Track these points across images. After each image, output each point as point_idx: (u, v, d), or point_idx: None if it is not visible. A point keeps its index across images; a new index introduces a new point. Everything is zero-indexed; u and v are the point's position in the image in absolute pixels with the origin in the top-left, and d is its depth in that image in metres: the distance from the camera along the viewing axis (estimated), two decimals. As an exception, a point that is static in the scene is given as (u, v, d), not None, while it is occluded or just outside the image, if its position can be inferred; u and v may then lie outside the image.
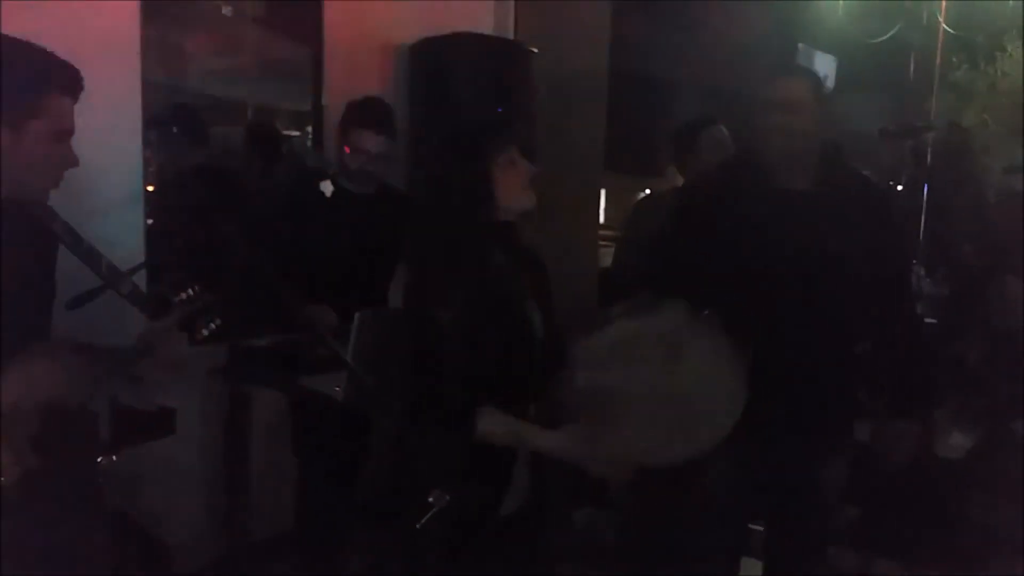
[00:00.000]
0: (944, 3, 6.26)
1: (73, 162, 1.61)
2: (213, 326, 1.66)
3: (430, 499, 1.64)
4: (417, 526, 1.62)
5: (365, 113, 2.79)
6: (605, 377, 1.77)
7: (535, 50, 3.88)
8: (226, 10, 3.33)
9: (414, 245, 1.90)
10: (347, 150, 2.78)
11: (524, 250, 1.96)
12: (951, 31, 6.50)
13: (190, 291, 1.64)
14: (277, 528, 3.13)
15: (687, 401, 1.81)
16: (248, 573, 2.91)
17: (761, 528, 2.40)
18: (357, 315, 2.19)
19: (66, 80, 1.57)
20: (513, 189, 1.84)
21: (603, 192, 5.15)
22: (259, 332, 1.75)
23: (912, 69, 7.43)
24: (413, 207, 2.90)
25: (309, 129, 3.58)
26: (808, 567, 2.32)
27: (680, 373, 1.82)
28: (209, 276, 1.84)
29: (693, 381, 1.81)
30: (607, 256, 5.38)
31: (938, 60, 5.96)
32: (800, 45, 8.52)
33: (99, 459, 1.78)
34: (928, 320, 4.12)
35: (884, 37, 7.75)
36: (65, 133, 1.58)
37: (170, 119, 3.03)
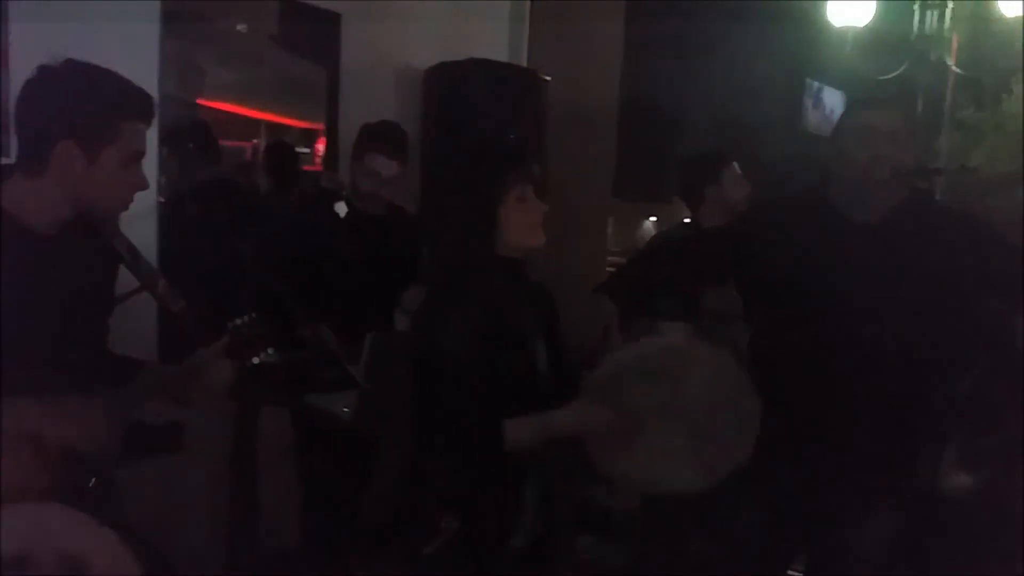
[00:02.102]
0: (954, 44, 6.31)
1: (143, 185, 1.63)
2: (265, 355, 1.65)
3: (442, 525, 1.63)
4: (426, 552, 1.61)
5: (379, 137, 2.80)
6: (611, 403, 1.78)
7: (548, 77, 3.91)
8: (241, 27, 3.35)
9: (424, 273, 1.88)
10: (359, 172, 2.79)
11: (532, 285, 1.96)
12: (958, 71, 6.54)
13: (246, 318, 1.63)
14: (281, 545, 3.11)
15: (693, 422, 1.82)
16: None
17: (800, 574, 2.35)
18: (369, 336, 2.19)
19: (140, 106, 1.60)
20: (523, 228, 1.83)
21: (610, 219, 5.18)
22: (268, 349, 1.74)
23: (920, 107, 7.48)
24: (421, 234, 2.90)
25: (319, 147, 3.60)
26: None
27: (684, 394, 1.83)
28: (220, 290, 1.83)
29: (698, 401, 1.81)
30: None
31: (948, 100, 5.97)
32: (808, 80, 8.59)
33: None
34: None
35: (892, 75, 7.80)
36: (137, 156, 1.60)
37: (185, 134, 3.05)
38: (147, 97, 1.62)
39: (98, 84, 1.57)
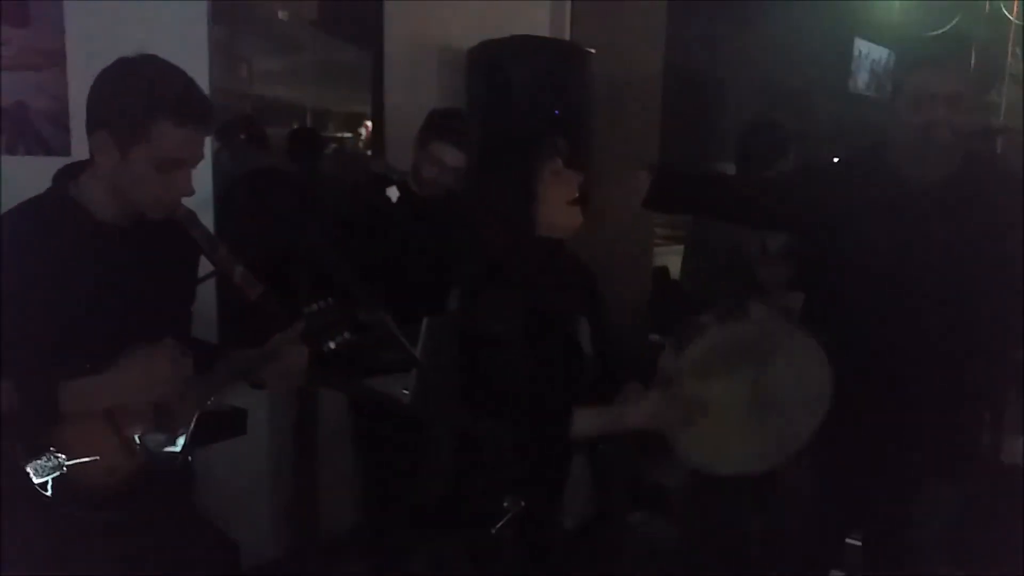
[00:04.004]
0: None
1: (185, 192, 1.56)
2: (340, 339, 1.63)
3: (504, 504, 1.66)
4: (492, 531, 1.64)
5: (447, 127, 2.79)
6: (702, 388, 1.80)
7: (592, 51, 3.87)
8: (282, 14, 3.37)
9: (465, 256, 1.89)
10: (423, 158, 2.79)
11: (573, 264, 1.95)
12: (1018, 23, 6.32)
13: (322, 303, 1.62)
14: (342, 527, 3.18)
15: (772, 409, 1.85)
16: (312, 571, 2.97)
17: (858, 543, 2.35)
18: (425, 320, 2.21)
19: (180, 108, 1.50)
20: (561, 204, 1.81)
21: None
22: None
23: (973, 63, 7.24)
24: (462, 217, 2.92)
25: (361, 130, 3.63)
26: None
27: (766, 380, 1.85)
28: (277, 279, 1.85)
29: (779, 388, 1.83)
30: (660, 256, 5.36)
31: (1009, 54, 5.77)
32: (855, 38, 8.36)
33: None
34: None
35: (943, 29, 7.55)
36: (175, 162, 1.52)
37: (235, 125, 3.09)
38: (196, 100, 1.52)
39: (134, 79, 1.51)
